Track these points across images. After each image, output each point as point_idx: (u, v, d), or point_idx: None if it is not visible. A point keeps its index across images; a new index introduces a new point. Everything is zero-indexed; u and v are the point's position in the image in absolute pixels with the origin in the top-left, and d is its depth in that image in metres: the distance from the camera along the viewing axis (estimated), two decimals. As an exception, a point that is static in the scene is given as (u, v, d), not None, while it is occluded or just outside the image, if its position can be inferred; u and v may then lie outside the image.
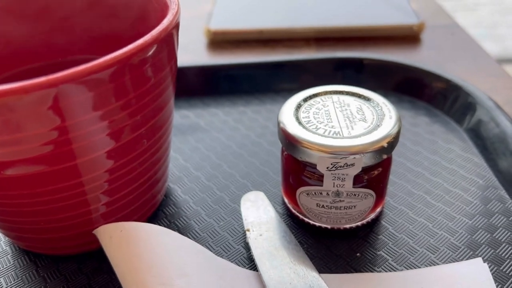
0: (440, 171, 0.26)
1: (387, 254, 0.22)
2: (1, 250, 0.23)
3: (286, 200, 0.24)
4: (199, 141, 0.30)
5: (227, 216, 0.24)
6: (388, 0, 0.45)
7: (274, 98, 0.34)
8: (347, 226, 0.23)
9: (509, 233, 0.22)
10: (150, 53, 0.18)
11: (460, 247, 0.22)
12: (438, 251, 0.21)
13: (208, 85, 0.34)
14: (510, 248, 0.21)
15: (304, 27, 0.42)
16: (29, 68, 0.25)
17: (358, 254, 0.22)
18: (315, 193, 0.22)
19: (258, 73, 0.34)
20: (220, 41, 0.42)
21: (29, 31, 0.24)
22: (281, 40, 0.42)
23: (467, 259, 0.21)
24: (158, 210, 0.24)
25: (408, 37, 0.41)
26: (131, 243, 0.19)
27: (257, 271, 0.20)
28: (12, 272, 0.22)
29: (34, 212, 0.20)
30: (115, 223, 0.20)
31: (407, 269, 0.21)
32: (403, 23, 0.41)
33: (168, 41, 0.19)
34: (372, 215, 0.23)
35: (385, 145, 0.20)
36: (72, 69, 0.16)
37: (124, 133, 0.19)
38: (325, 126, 0.21)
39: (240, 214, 0.24)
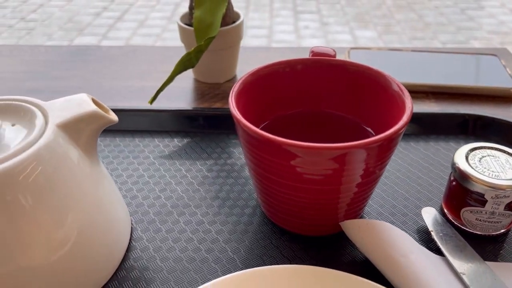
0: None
1: (519, 253, 0.34)
2: (267, 227, 0.36)
3: (447, 213, 0.37)
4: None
5: (408, 220, 0.37)
6: (490, 66, 0.58)
7: (417, 141, 0.47)
8: (492, 234, 0.36)
9: None
10: (400, 131, 0.31)
11: None
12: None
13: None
14: None
15: (423, 83, 0.55)
16: (293, 112, 0.39)
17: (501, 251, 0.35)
18: (477, 212, 0.35)
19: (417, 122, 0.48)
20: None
21: (302, 89, 0.39)
22: (405, 91, 0.55)
23: None
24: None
25: (504, 97, 0.54)
26: (375, 231, 0.32)
27: (443, 256, 0.33)
28: (267, 239, 0.35)
29: (301, 205, 0.33)
30: (359, 219, 0.33)
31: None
32: (503, 86, 0.54)
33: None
34: (507, 228, 0.36)
35: (528, 185, 0.33)
36: (357, 142, 0.29)
37: (372, 173, 0.32)
38: (489, 170, 0.34)
39: (415, 217, 0.37)
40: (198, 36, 0.50)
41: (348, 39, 2.38)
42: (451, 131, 0.47)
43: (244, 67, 0.60)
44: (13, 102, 0.32)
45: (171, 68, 0.61)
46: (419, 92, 0.55)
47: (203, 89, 0.56)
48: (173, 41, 2.39)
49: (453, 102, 0.53)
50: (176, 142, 0.47)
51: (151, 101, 0.46)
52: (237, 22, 0.54)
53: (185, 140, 0.47)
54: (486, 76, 0.56)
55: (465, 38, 2.39)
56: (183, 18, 0.56)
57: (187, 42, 0.55)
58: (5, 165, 0.27)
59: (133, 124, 0.48)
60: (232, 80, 0.58)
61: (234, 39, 0.55)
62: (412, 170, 0.43)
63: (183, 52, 0.64)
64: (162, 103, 0.52)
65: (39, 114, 0.31)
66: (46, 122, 0.31)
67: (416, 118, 0.48)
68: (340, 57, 0.64)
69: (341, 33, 2.45)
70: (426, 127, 0.47)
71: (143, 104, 0.52)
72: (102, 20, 2.65)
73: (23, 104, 0.32)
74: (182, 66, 0.48)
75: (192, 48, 0.47)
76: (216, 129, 0.49)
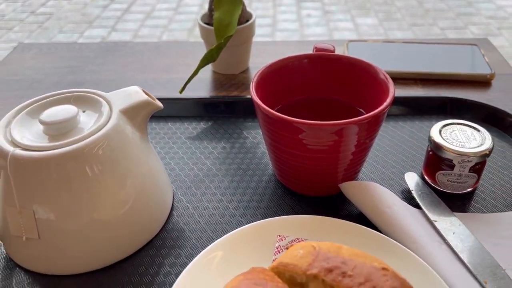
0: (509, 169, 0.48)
1: (481, 206, 0.43)
2: (280, 190, 0.46)
3: (426, 177, 0.46)
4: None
5: (394, 183, 0.46)
6: (469, 55, 0.66)
7: (404, 120, 0.55)
8: (460, 192, 0.44)
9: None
10: (384, 111, 0.40)
11: (520, 206, 0.43)
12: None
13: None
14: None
15: (412, 71, 0.63)
16: (300, 98, 0.48)
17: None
18: (448, 174, 0.43)
19: (405, 104, 0.56)
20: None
21: (310, 79, 0.47)
22: (396, 78, 0.64)
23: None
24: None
25: (482, 82, 0.62)
26: (367, 190, 0.41)
27: (420, 209, 0.42)
28: (281, 199, 0.44)
29: (308, 171, 0.42)
30: (355, 181, 0.42)
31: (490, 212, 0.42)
32: (480, 72, 0.62)
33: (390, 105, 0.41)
34: (473, 187, 0.45)
35: (487, 152, 0.42)
36: (350, 119, 0.38)
37: (363, 144, 0.41)
38: (456, 141, 0.43)
39: (400, 181, 0.46)
40: (217, 35, 0.58)
41: (350, 26, 2.44)
42: (433, 112, 0.56)
43: (256, 60, 0.69)
44: (82, 93, 0.41)
45: (191, 61, 0.69)
46: (409, 79, 0.64)
47: (221, 80, 0.65)
48: (179, 32, 2.47)
49: (437, 87, 0.62)
50: (202, 125, 0.56)
51: (181, 91, 0.55)
52: (250, 21, 0.63)
53: (209, 123, 0.56)
54: (467, 63, 0.65)
55: (464, 23, 2.45)
56: (203, 18, 0.64)
57: (207, 39, 0.63)
58: (83, 143, 0.36)
59: (165, 110, 0.57)
60: (246, 71, 0.67)
61: (247, 35, 0.63)
62: (399, 144, 0.52)
63: (201, 47, 0.73)
64: (187, 93, 0.60)
65: (104, 102, 0.40)
66: (111, 109, 0.40)
67: (405, 101, 0.56)
68: (339, 49, 0.73)
69: (343, 21, 2.52)
70: (413, 109, 0.56)
71: (171, 93, 0.61)
72: (110, 12, 2.73)
73: (91, 95, 0.41)
74: (206, 61, 0.56)
75: (213, 46, 0.56)
76: (234, 114, 0.57)
